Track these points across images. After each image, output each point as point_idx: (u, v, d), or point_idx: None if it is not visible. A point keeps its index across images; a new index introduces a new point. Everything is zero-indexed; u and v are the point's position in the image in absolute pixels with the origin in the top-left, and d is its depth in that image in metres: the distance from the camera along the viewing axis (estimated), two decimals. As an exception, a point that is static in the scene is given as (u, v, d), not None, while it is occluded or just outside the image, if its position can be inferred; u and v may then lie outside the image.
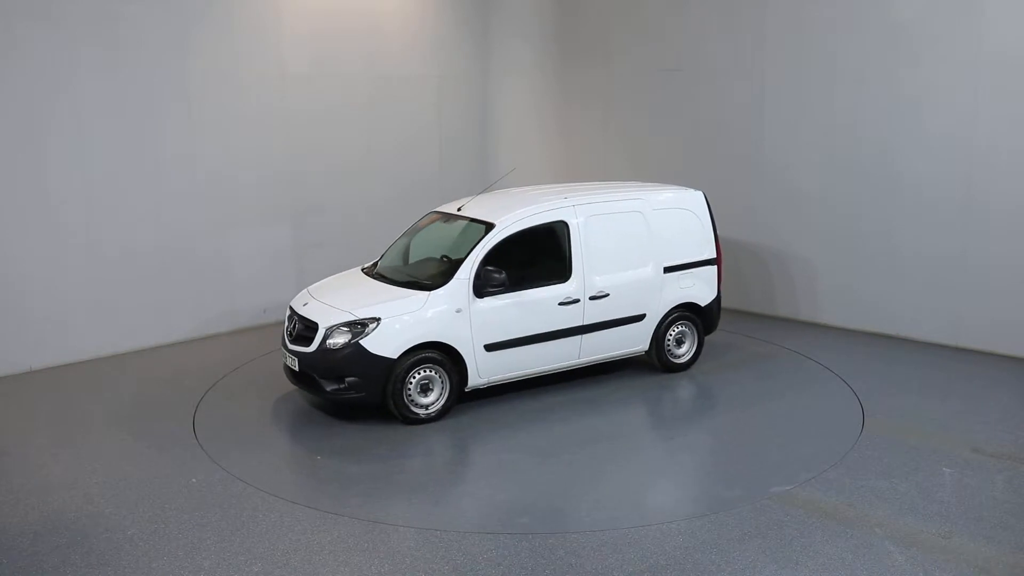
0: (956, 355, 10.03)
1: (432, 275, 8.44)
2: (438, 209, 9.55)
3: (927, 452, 7.43)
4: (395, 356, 7.91)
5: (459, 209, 9.11)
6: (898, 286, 10.61)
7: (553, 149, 13.76)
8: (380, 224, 11.91)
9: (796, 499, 6.62)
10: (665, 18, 12.30)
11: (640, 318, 9.10)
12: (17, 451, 7.69)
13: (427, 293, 8.14)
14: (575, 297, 8.64)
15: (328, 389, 8.05)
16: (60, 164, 9.69)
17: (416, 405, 8.09)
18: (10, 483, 7.05)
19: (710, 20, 11.83)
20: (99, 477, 7.12)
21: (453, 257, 8.54)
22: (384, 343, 7.90)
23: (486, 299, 8.23)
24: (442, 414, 8.21)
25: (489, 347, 8.28)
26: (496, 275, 8.19)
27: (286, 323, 8.66)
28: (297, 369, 8.25)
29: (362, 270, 9.18)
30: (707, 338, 9.80)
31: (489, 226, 8.47)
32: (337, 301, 8.35)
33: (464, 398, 8.52)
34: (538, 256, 8.73)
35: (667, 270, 9.21)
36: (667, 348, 9.38)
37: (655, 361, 9.41)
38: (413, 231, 9.47)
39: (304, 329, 8.26)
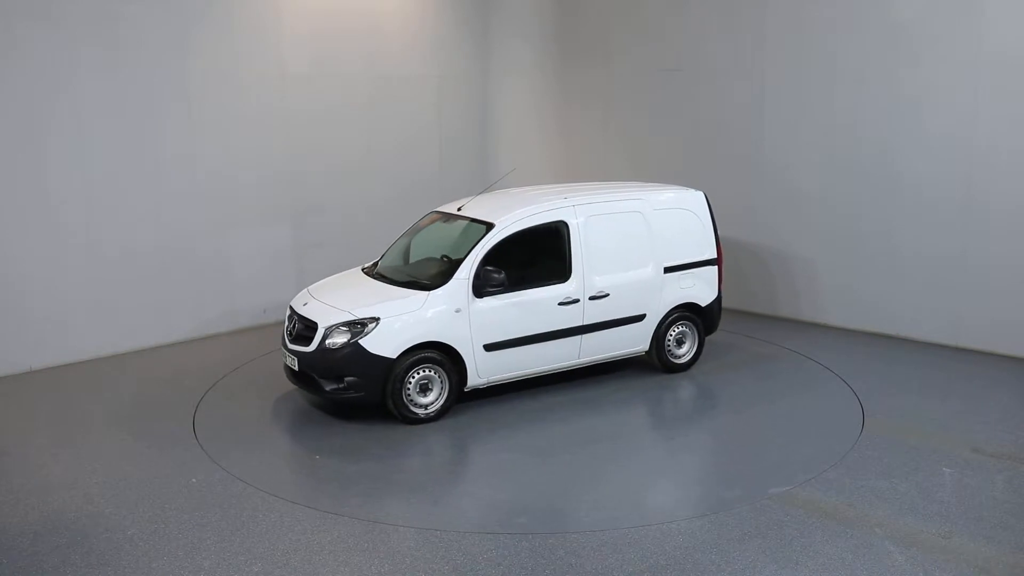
0: (956, 355, 10.03)
1: (432, 275, 8.44)
2: (438, 209, 9.56)
3: (927, 452, 7.43)
4: (394, 356, 7.92)
5: (459, 209, 9.11)
6: (898, 286, 10.61)
7: (553, 149, 13.76)
8: (380, 224, 11.91)
9: (796, 499, 6.62)
10: (665, 18, 12.30)
11: (640, 318, 9.09)
12: (17, 451, 7.69)
13: (426, 293, 8.14)
14: (575, 297, 8.63)
15: (327, 389, 8.05)
16: (60, 164, 9.69)
17: (415, 405, 8.10)
18: (10, 483, 7.05)
19: (710, 20, 11.83)
20: (99, 477, 7.12)
21: (453, 257, 8.54)
22: (383, 343, 7.90)
23: (485, 299, 8.23)
24: (441, 414, 8.21)
25: (488, 347, 8.28)
26: (495, 275, 8.19)
27: (286, 323, 8.66)
28: (297, 369, 8.25)
29: (362, 270, 9.19)
30: (707, 338, 9.79)
31: (489, 226, 8.47)
32: (337, 301, 8.35)
33: (463, 398, 8.52)
34: (538, 256, 8.73)
35: (667, 270, 9.20)
36: (667, 348, 9.37)
37: (655, 361, 9.41)
38: (413, 231, 9.48)
39: (304, 329, 8.26)
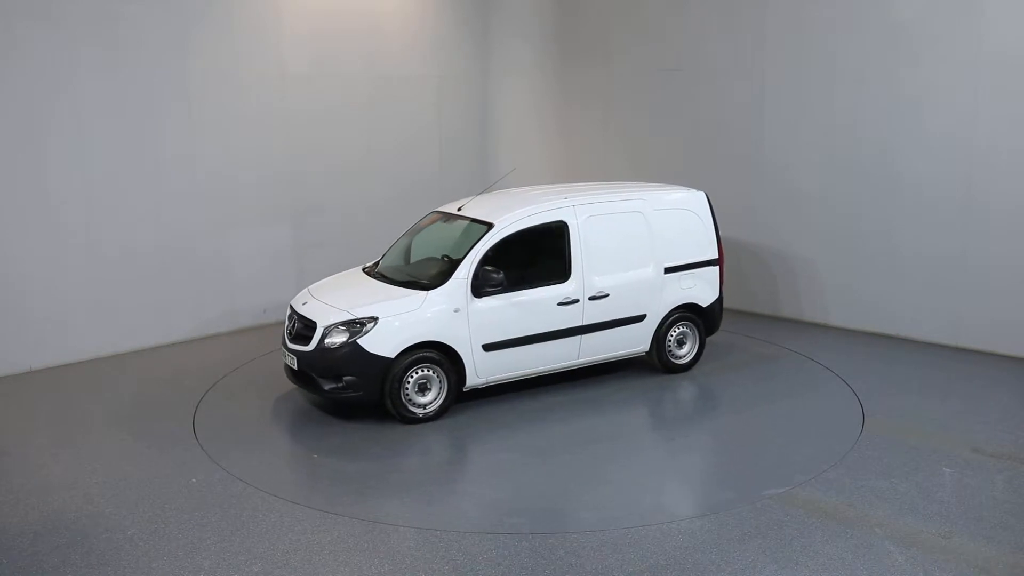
0: (956, 355, 10.03)
1: (431, 275, 8.44)
2: (439, 209, 9.56)
3: (927, 452, 7.43)
4: (393, 355, 7.92)
5: (459, 209, 9.11)
6: (898, 286, 10.61)
7: (553, 149, 13.76)
8: (380, 224, 11.91)
9: (796, 499, 6.62)
10: (665, 18, 12.30)
11: (640, 318, 9.09)
12: (17, 451, 7.69)
13: (425, 293, 8.14)
14: (574, 297, 8.63)
15: (326, 388, 8.05)
16: (60, 164, 9.69)
17: (414, 404, 8.10)
18: (10, 483, 7.05)
19: (710, 20, 11.83)
20: (99, 477, 7.12)
21: (454, 257, 8.54)
22: (382, 342, 7.91)
23: (484, 299, 8.23)
24: (440, 414, 8.21)
25: (487, 347, 8.28)
26: (494, 275, 8.19)
27: (286, 322, 8.67)
28: (296, 368, 8.26)
29: (363, 270, 9.19)
30: (708, 339, 9.78)
31: (488, 226, 8.47)
32: (336, 300, 8.36)
33: (462, 398, 8.52)
34: (538, 256, 8.73)
35: (668, 271, 9.20)
36: (668, 349, 9.37)
37: (656, 362, 9.40)
38: (414, 231, 9.48)
39: (303, 328, 8.27)
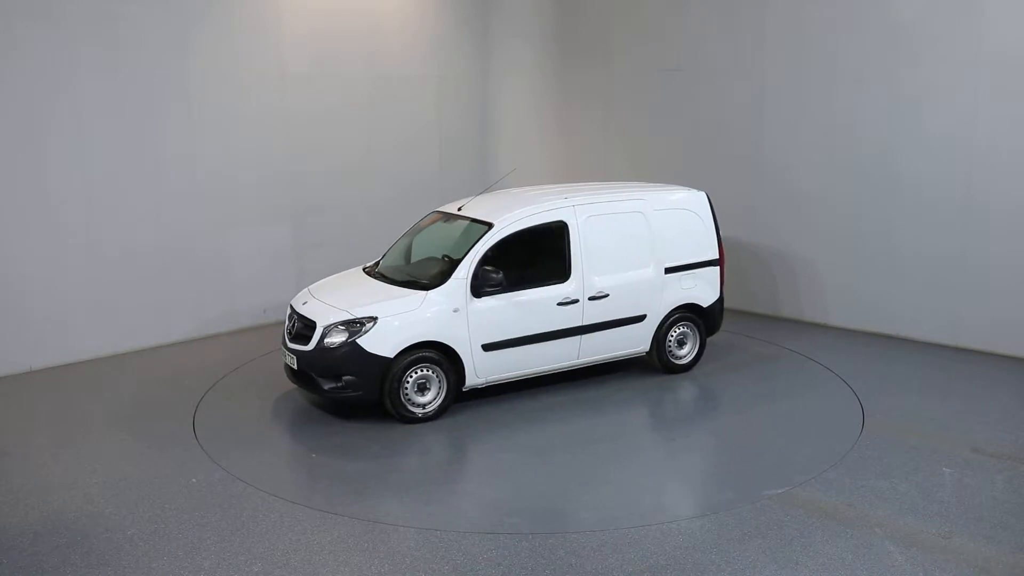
0: (956, 355, 10.03)
1: (431, 275, 8.44)
2: (439, 209, 9.56)
3: (927, 452, 7.43)
4: (392, 355, 7.92)
5: (460, 209, 9.12)
6: (898, 286, 10.61)
7: (553, 149, 13.76)
8: (380, 224, 11.91)
9: (796, 499, 6.62)
10: (665, 18, 12.30)
11: (640, 319, 9.09)
12: (17, 451, 7.69)
13: (424, 293, 8.15)
14: (574, 297, 8.63)
15: (326, 387, 8.06)
16: (60, 164, 9.69)
17: (413, 404, 8.10)
18: (10, 483, 7.05)
19: (710, 20, 11.83)
20: (99, 477, 7.12)
21: (454, 257, 8.54)
22: (381, 342, 7.91)
23: (484, 299, 8.23)
24: (439, 413, 8.21)
25: (487, 347, 8.28)
26: (493, 275, 8.19)
27: (286, 322, 8.67)
28: (296, 367, 8.26)
29: (363, 269, 9.19)
30: (708, 339, 9.77)
31: (488, 226, 8.47)
32: (335, 300, 8.36)
33: (462, 398, 8.52)
34: (537, 256, 8.73)
35: (668, 271, 9.19)
36: (668, 349, 9.36)
37: (656, 362, 9.40)
38: (415, 231, 9.48)
39: (303, 328, 8.27)
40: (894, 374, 9.39)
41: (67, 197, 9.77)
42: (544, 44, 13.55)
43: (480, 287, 8.20)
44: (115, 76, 9.94)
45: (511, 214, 8.55)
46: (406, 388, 8.04)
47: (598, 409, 8.53)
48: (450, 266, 8.36)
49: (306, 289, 9.02)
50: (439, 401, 8.20)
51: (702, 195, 9.56)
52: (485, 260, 8.28)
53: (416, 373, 8.06)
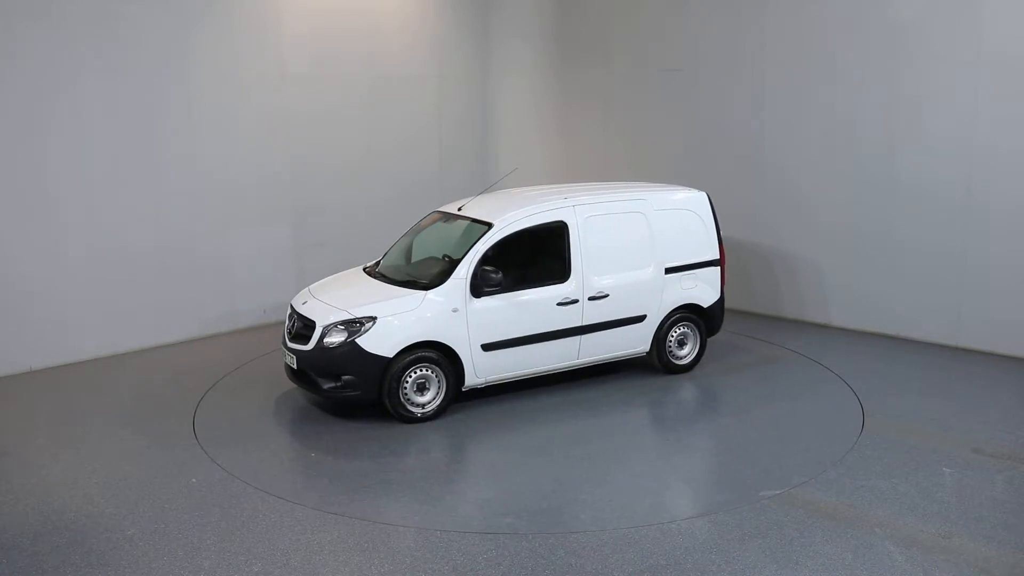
0: (956, 355, 10.03)
1: (430, 275, 8.44)
2: (440, 209, 9.56)
3: (927, 452, 7.43)
4: (391, 355, 7.92)
5: (460, 209, 9.12)
6: (898, 286, 10.61)
7: (553, 149, 13.76)
8: (380, 224, 11.91)
9: (796, 499, 6.62)
10: (665, 18, 12.30)
11: (640, 319, 9.09)
12: (17, 451, 7.69)
13: (423, 293, 8.15)
14: (574, 297, 8.63)
15: (325, 387, 8.06)
16: (60, 164, 9.69)
17: (412, 404, 8.10)
18: (10, 483, 7.05)
19: (710, 20, 11.83)
20: (99, 477, 7.12)
21: (455, 257, 8.54)
22: (380, 342, 7.91)
23: (483, 299, 8.23)
24: (439, 413, 8.21)
25: (486, 347, 8.28)
26: (493, 275, 8.19)
27: (287, 321, 8.67)
28: (296, 367, 8.27)
29: (363, 269, 9.20)
30: (709, 339, 9.76)
31: (488, 226, 8.47)
32: (335, 300, 8.37)
33: (462, 398, 8.52)
34: (537, 256, 8.73)
35: (669, 271, 9.19)
36: (669, 349, 9.36)
37: (656, 363, 9.40)
38: (415, 231, 9.48)
39: (303, 327, 8.27)
40: (894, 374, 9.39)
41: (67, 197, 9.77)
42: (544, 44, 13.55)
43: (480, 287, 8.20)
44: (115, 76, 9.94)
45: (511, 214, 8.55)
46: (405, 388, 8.04)
47: (598, 409, 8.53)
48: (450, 266, 8.36)
49: (306, 289, 9.03)
50: (438, 401, 8.20)
51: (703, 195, 9.55)
52: (485, 260, 8.28)
53: (415, 373, 8.06)
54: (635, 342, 9.16)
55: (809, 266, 11.38)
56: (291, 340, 8.38)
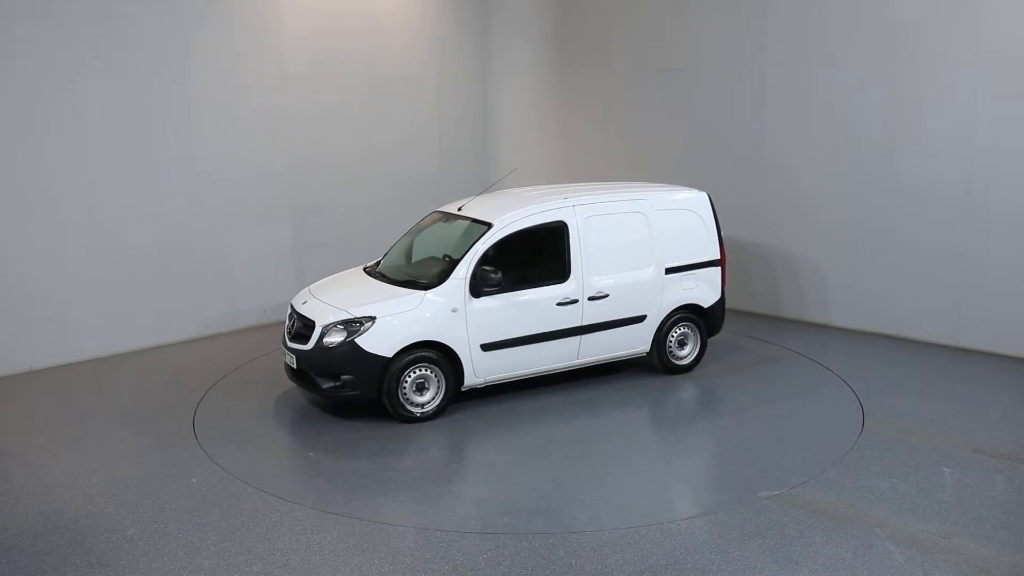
0: (956, 355, 10.03)
1: (430, 275, 8.45)
2: (440, 209, 9.57)
3: (927, 452, 7.43)
4: (390, 355, 7.93)
5: (460, 209, 9.12)
6: (898, 286, 10.61)
7: (553, 149, 13.76)
8: (380, 224, 11.91)
9: (796, 499, 6.62)
10: (665, 18, 12.30)
11: (641, 319, 9.08)
12: (17, 451, 7.69)
13: (422, 293, 8.15)
14: (573, 297, 8.63)
15: (324, 386, 8.06)
16: (60, 164, 9.69)
17: (411, 404, 8.10)
18: (10, 483, 7.05)
19: (710, 20, 11.83)
20: (99, 477, 7.12)
21: (455, 257, 8.54)
22: (379, 341, 7.92)
23: (482, 299, 8.23)
24: (438, 413, 8.21)
25: (485, 347, 8.28)
26: (492, 275, 8.19)
27: (287, 321, 8.68)
28: (296, 367, 8.27)
29: (364, 269, 9.20)
30: (709, 339, 9.76)
31: (487, 226, 8.48)
32: (335, 299, 8.37)
33: (461, 398, 8.52)
34: (537, 256, 8.73)
35: (669, 271, 9.18)
36: (669, 350, 9.35)
37: (656, 363, 9.39)
38: (416, 231, 9.49)
39: (303, 327, 8.28)
40: (894, 374, 9.39)
41: (67, 197, 9.77)
42: (544, 44, 13.55)
43: (479, 287, 8.20)
44: (115, 76, 9.94)
45: (510, 214, 8.55)
46: (404, 388, 8.04)
47: (598, 409, 8.53)
48: (449, 266, 8.36)
49: (306, 288, 9.03)
50: (437, 401, 8.20)
51: (703, 195, 9.54)
52: (484, 260, 8.28)
53: (414, 373, 8.06)
54: (635, 342, 9.16)
55: (809, 266, 11.38)
56: (291, 340, 8.39)
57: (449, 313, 8.11)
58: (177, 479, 7.07)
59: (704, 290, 9.45)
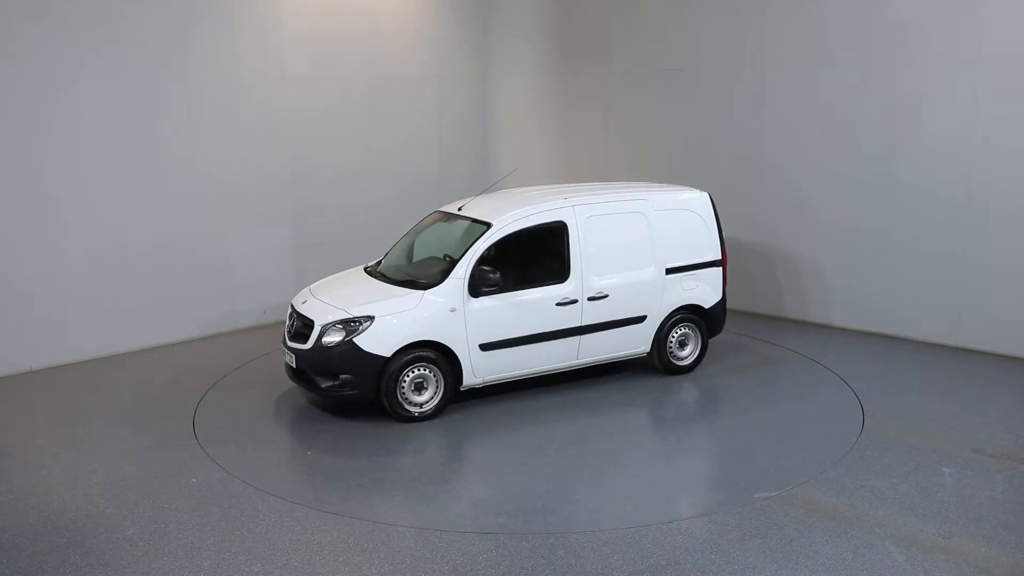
0: (956, 355, 10.03)
1: (429, 275, 8.45)
2: (440, 209, 9.57)
3: (927, 452, 7.43)
4: (389, 354, 7.93)
5: (460, 209, 9.12)
6: (898, 286, 10.61)
7: (553, 149, 13.76)
8: (380, 224, 11.91)
9: (796, 499, 6.61)
10: (665, 18, 12.30)
11: (641, 319, 9.08)
12: (17, 451, 7.69)
13: (421, 292, 8.15)
14: (573, 298, 8.63)
15: (323, 386, 8.07)
16: (60, 164, 9.69)
17: (410, 403, 8.10)
18: (10, 483, 7.05)
19: (710, 20, 11.83)
20: (99, 477, 7.12)
21: (456, 257, 8.54)
22: (378, 341, 7.92)
23: (481, 299, 8.23)
24: (437, 413, 8.21)
25: (484, 347, 8.27)
26: (491, 275, 8.19)
27: (287, 321, 8.68)
28: (295, 366, 8.28)
29: (364, 269, 9.20)
30: (710, 340, 9.75)
31: (487, 226, 8.47)
32: (334, 299, 8.38)
33: (460, 398, 8.52)
34: (537, 256, 8.73)
35: (670, 271, 9.18)
36: (669, 350, 9.35)
37: (657, 363, 9.39)
38: (416, 231, 9.49)
39: (302, 326, 8.29)
40: (894, 374, 9.39)
41: (67, 197, 9.77)
42: (544, 44, 13.55)
43: (478, 287, 8.20)
44: (115, 76, 9.94)
45: (510, 214, 8.55)
46: (403, 387, 8.04)
47: (598, 410, 8.52)
48: (449, 266, 8.36)
49: (307, 288, 9.04)
50: (436, 401, 8.20)
51: (704, 195, 9.53)
52: (483, 260, 8.28)
53: (413, 372, 8.06)
54: (635, 343, 9.16)
55: (809, 266, 11.38)
56: (291, 339, 8.39)
57: (448, 313, 8.12)
58: (177, 479, 7.07)
59: (705, 290, 9.44)
